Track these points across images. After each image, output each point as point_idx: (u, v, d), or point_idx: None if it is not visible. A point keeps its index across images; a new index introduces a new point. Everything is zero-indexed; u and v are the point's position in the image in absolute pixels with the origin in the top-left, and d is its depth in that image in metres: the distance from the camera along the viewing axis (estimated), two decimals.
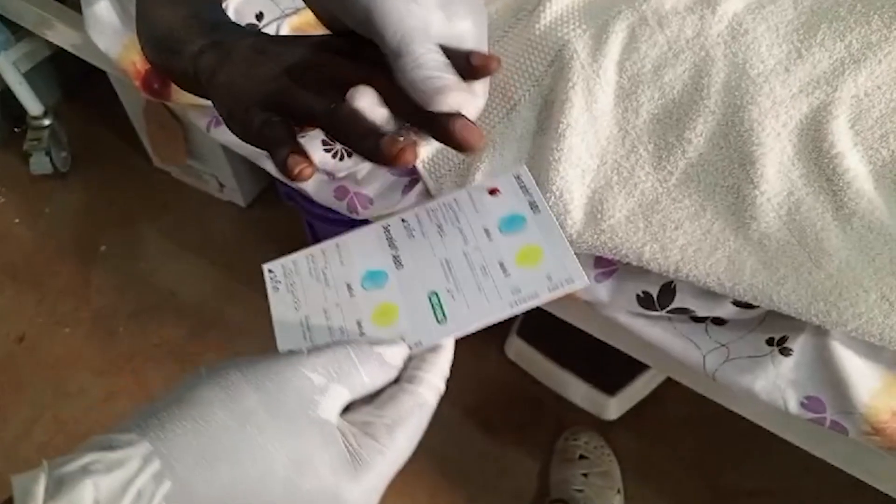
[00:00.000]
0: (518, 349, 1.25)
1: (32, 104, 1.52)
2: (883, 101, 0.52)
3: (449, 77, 0.35)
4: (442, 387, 0.36)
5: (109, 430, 0.29)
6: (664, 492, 1.15)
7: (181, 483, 0.28)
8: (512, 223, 0.40)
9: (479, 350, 1.27)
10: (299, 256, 0.42)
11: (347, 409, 0.34)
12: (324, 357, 0.33)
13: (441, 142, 0.36)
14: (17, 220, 1.58)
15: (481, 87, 0.38)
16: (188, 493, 0.28)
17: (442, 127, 0.35)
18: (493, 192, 0.41)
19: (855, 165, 0.51)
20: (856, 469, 0.62)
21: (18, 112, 1.56)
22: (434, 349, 0.36)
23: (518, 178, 0.41)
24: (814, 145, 0.52)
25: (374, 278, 0.40)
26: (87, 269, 1.49)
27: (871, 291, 0.48)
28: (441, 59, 0.35)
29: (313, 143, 0.68)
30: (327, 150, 0.68)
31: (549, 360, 1.21)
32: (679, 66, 0.56)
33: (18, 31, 1.42)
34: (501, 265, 0.38)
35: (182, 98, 0.76)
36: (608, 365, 1.15)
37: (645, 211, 0.55)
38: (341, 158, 0.68)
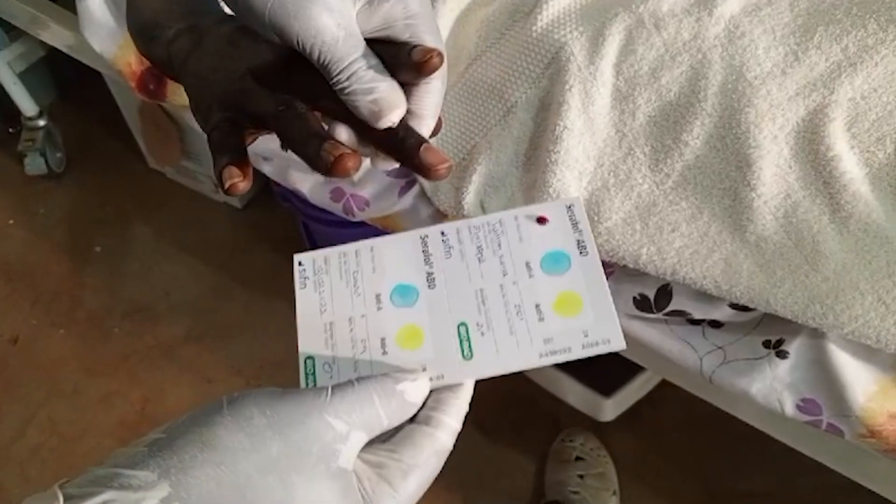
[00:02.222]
0: None
1: (27, 105, 1.52)
2: (879, 104, 0.52)
3: (381, 87, 0.34)
4: (460, 427, 0.35)
5: (121, 458, 0.28)
6: (660, 493, 1.15)
7: None
8: (556, 261, 0.38)
9: None
10: (332, 253, 0.40)
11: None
12: (347, 401, 0.32)
13: (406, 167, 0.36)
14: (11, 221, 1.57)
15: (432, 105, 0.37)
16: None
17: (405, 152, 0.35)
18: (541, 220, 0.39)
19: (851, 168, 0.51)
20: (852, 471, 0.62)
21: (13, 113, 1.55)
22: (454, 388, 0.35)
23: (570, 209, 0.39)
24: (810, 148, 0.52)
25: (404, 294, 0.38)
26: (82, 270, 1.48)
27: (868, 294, 0.48)
28: (368, 66, 0.34)
29: None
30: None
31: None
32: (676, 69, 0.56)
33: (13, 32, 1.42)
34: (538, 308, 0.36)
35: (177, 99, 0.75)
36: (604, 366, 1.14)
37: (642, 213, 0.55)
38: None
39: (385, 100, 0.34)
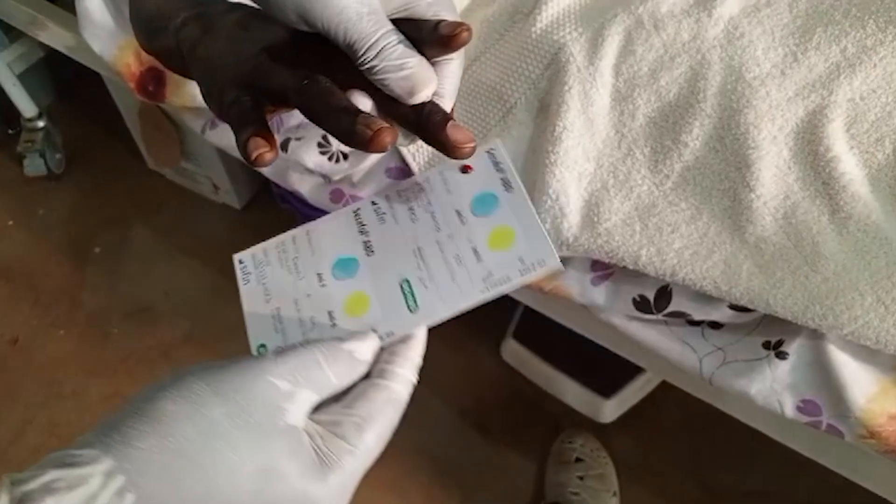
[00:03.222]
0: (514, 351, 1.25)
1: (27, 106, 1.52)
2: (878, 105, 0.52)
3: (412, 62, 0.33)
4: (415, 379, 0.35)
5: (71, 444, 0.28)
6: (660, 494, 1.15)
7: (146, 498, 0.27)
8: (484, 203, 0.39)
9: (474, 352, 1.27)
10: (270, 245, 0.41)
11: (316, 407, 0.33)
12: (291, 363, 0.32)
13: (431, 143, 0.35)
14: (10, 222, 1.57)
15: (451, 85, 0.37)
16: None
17: (431, 128, 0.35)
18: (465, 169, 0.40)
19: (851, 169, 0.51)
20: (851, 472, 0.62)
21: (12, 114, 1.55)
22: (405, 340, 0.36)
23: (491, 153, 0.40)
24: (810, 149, 0.52)
25: (345, 266, 0.39)
26: (81, 271, 1.48)
27: (867, 295, 0.48)
28: (397, 42, 0.33)
29: (309, 145, 0.67)
30: (323, 153, 0.67)
31: (544, 363, 1.21)
32: (675, 70, 0.56)
33: (12, 33, 1.42)
34: (474, 251, 0.37)
35: (177, 100, 0.75)
36: (604, 367, 1.15)
37: (641, 214, 0.55)
38: (337, 161, 0.67)
39: (416, 75, 0.34)
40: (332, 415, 0.32)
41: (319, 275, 0.39)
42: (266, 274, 0.40)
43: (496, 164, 0.40)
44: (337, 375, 0.33)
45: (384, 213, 0.40)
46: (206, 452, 0.29)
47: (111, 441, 0.28)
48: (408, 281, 0.37)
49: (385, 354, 0.35)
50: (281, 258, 0.40)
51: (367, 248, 0.39)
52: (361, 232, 0.40)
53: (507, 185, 0.39)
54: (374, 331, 0.36)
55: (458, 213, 0.39)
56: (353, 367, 0.34)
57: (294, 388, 0.31)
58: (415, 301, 0.37)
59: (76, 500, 0.26)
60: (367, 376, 0.34)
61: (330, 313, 0.38)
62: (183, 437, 0.29)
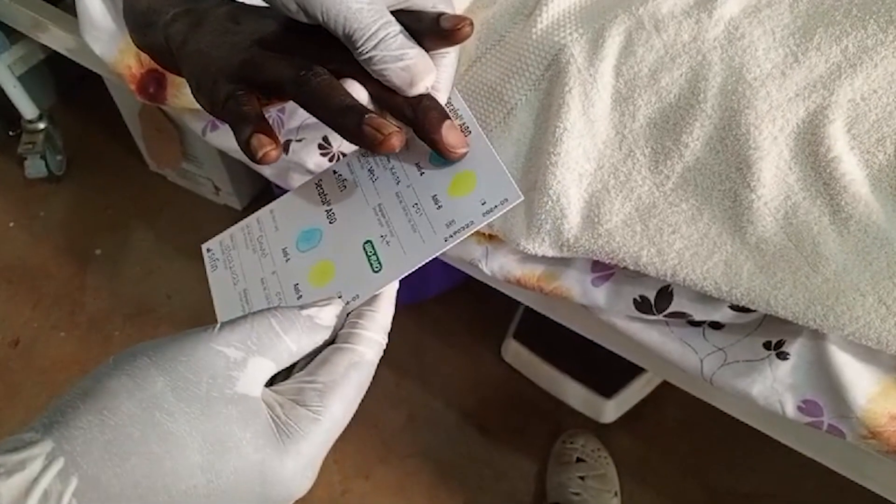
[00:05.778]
0: (515, 352, 1.25)
1: (27, 108, 1.52)
2: (879, 106, 0.52)
3: (411, 53, 0.33)
4: (383, 341, 0.34)
5: (15, 432, 0.28)
6: (662, 495, 1.15)
7: (89, 479, 0.27)
8: None
9: (475, 353, 1.27)
10: (236, 229, 0.41)
11: (285, 379, 0.32)
12: (240, 330, 0.31)
13: (424, 139, 0.35)
14: (11, 224, 1.58)
15: (446, 79, 0.36)
16: (99, 488, 0.27)
17: (428, 123, 0.34)
18: None
19: (851, 169, 0.51)
20: (853, 472, 0.62)
21: (13, 116, 1.56)
22: (372, 303, 0.35)
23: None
24: (810, 149, 0.52)
25: (309, 238, 0.38)
26: (83, 273, 1.48)
27: (868, 295, 0.48)
28: (397, 32, 0.33)
29: (310, 147, 0.68)
30: (324, 154, 0.67)
31: (545, 363, 1.21)
32: (676, 71, 0.56)
33: (13, 35, 1.42)
34: (434, 199, 0.36)
35: (178, 102, 0.76)
36: (605, 368, 1.15)
37: (642, 215, 0.55)
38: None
39: (416, 66, 0.33)
40: (296, 384, 0.31)
41: (284, 250, 0.38)
42: (233, 258, 0.40)
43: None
44: (295, 342, 0.32)
45: (345, 180, 0.39)
46: (149, 427, 0.28)
47: (52, 422, 0.28)
48: (370, 242, 0.36)
49: (352, 318, 0.34)
50: (246, 240, 0.40)
51: (330, 216, 0.38)
52: (323, 202, 0.39)
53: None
54: (340, 296, 0.35)
55: (418, 166, 0.38)
56: (313, 333, 0.33)
57: (245, 356, 0.30)
58: (378, 261, 0.36)
59: (16, 485, 0.26)
60: (334, 343, 0.34)
61: (296, 286, 0.37)
62: (123, 413, 0.28)
